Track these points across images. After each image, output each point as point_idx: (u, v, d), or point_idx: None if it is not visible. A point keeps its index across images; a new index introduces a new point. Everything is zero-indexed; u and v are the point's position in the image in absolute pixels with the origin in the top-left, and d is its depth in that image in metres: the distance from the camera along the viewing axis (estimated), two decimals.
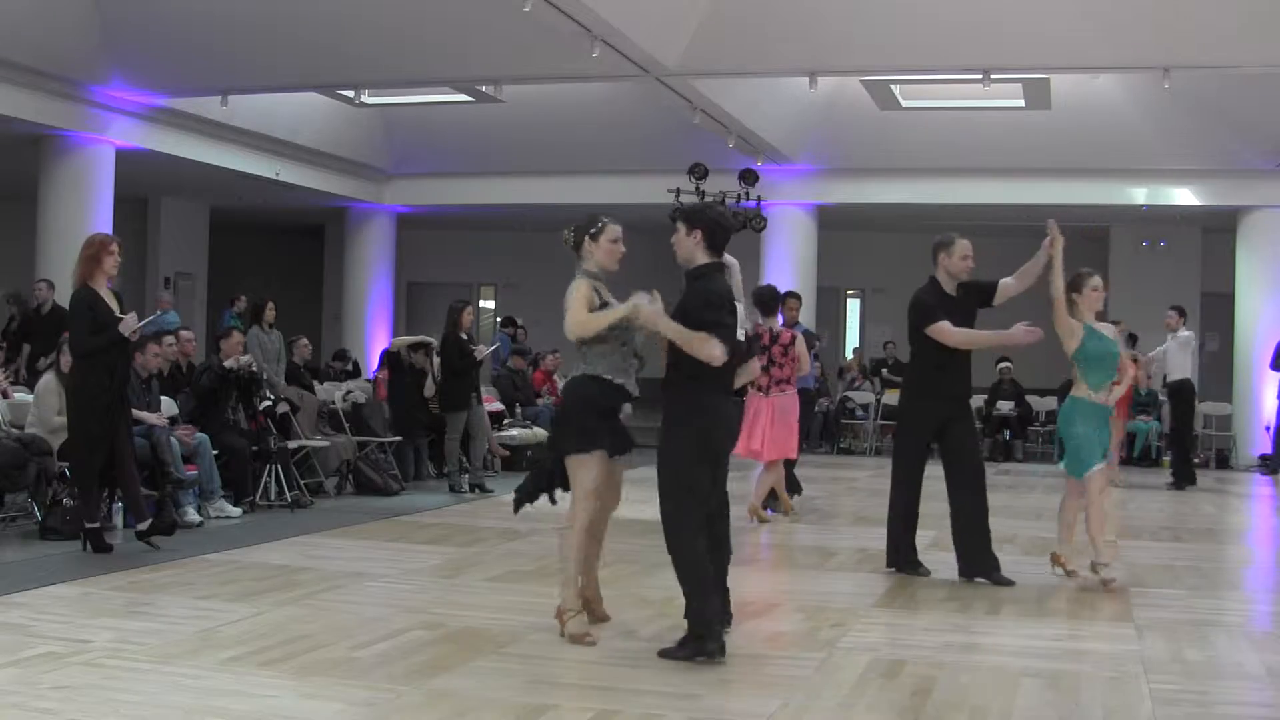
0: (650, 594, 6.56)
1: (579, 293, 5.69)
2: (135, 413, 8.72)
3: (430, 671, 5.11)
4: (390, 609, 6.53)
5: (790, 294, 11.21)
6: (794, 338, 10.12)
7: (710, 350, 5.35)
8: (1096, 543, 7.32)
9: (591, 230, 5.81)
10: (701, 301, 5.51)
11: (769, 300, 10.09)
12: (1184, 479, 14.04)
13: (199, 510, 9.41)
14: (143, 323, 8.34)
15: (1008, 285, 7.57)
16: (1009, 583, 7.38)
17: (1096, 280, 7.50)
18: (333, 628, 5.87)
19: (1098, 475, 7.29)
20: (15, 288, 15.28)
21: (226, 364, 10.38)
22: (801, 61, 12.96)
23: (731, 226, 5.82)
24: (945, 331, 7.42)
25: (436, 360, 12.71)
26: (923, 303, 7.58)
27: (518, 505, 6.00)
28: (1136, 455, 16.81)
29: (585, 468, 5.65)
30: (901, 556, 7.85)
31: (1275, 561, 9.77)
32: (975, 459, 7.77)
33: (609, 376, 5.70)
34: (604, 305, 5.69)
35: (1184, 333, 14.09)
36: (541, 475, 5.92)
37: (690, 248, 5.62)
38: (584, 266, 5.81)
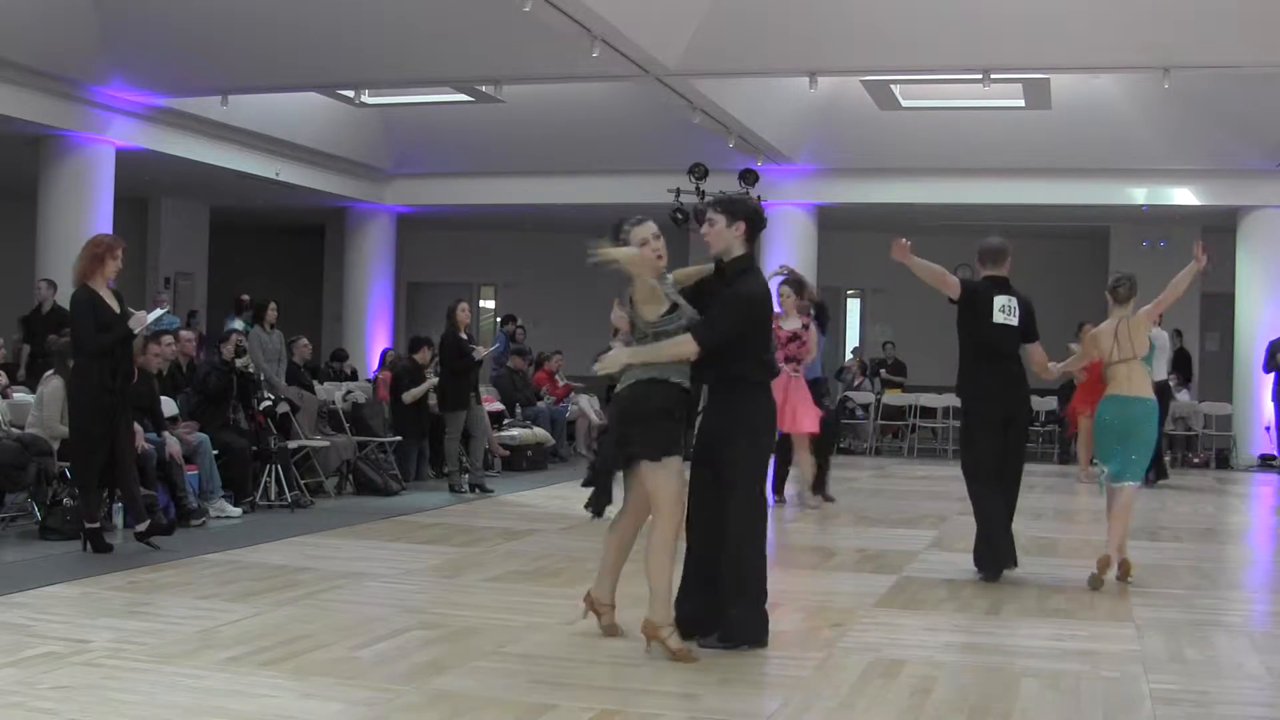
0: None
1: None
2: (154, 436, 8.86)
3: (430, 671, 5.11)
4: (390, 609, 6.53)
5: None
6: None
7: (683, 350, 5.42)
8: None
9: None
10: (744, 314, 5.56)
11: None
12: (1159, 474, 14.08)
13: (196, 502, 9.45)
14: (151, 317, 8.34)
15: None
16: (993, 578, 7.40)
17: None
18: (333, 628, 5.86)
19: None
20: None
21: (239, 363, 10.46)
22: (801, 61, 12.96)
23: (765, 219, 5.82)
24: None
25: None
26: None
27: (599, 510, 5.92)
28: None
29: (669, 472, 5.43)
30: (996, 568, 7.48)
31: (1275, 561, 9.77)
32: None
33: (675, 379, 5.49)
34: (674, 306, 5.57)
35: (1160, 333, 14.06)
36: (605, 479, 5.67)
37: (730, 239, 5.61)
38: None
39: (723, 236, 5.61)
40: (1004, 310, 7.42)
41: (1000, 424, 7.40)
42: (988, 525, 7.46)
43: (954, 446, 17.28)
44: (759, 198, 16.18)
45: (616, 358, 5.47)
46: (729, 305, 5.54)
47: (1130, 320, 7.46)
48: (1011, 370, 7.48)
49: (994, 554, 7.44)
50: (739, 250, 5.65)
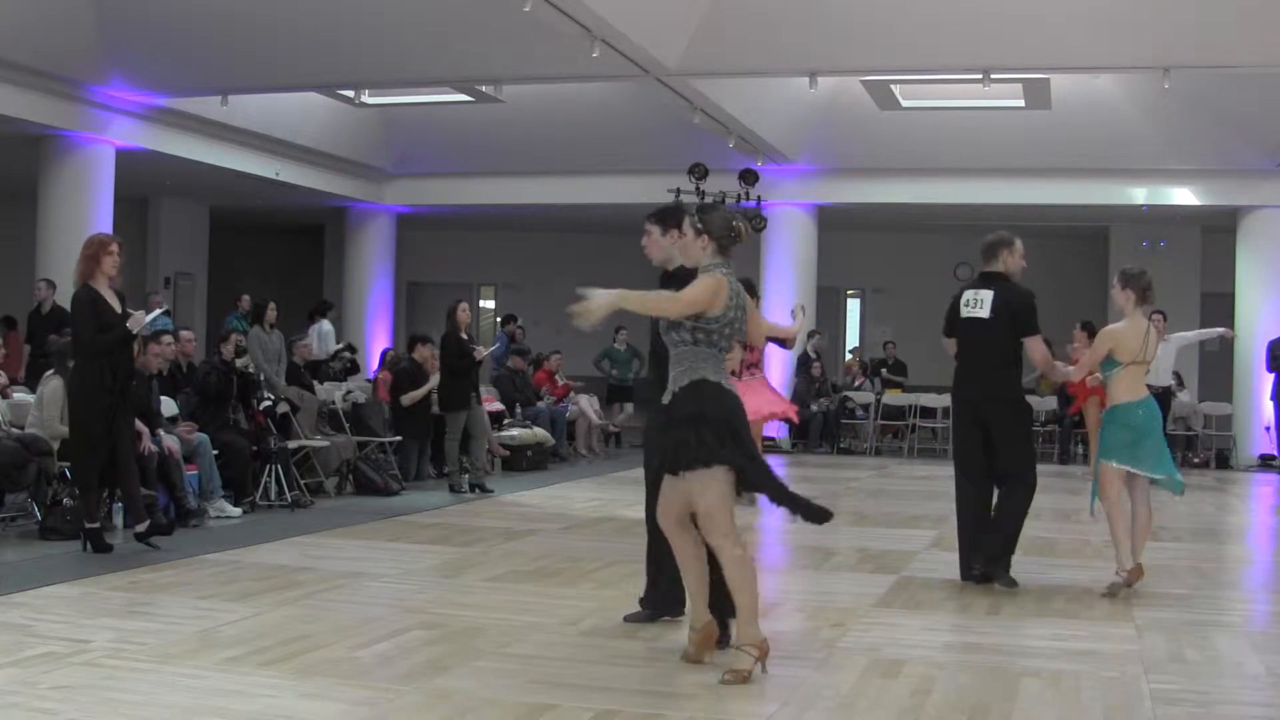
0: None
1: None
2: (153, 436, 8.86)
3: (430, 671, 5.11)
4: (390, 609, 6.53)
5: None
6: None
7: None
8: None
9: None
10: None
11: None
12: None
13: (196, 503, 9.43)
14: (149, 318, 8.35)
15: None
16: (1009, 584, 7.21)
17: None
18: (333, 628, 5.86)
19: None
20: None
21: (239, 363, 10.46)
22: (801, 61, 12.97)
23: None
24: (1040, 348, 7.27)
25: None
26: (1033, 305, 7.27)
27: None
28: None
29: None
30: (963, 567, 7.34)
31: (1275, 561, 9.78)
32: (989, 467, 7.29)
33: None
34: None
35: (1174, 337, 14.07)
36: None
37: (667, 249, 5.60)
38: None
39: (660, 246, 5.63)
40: (969, 304, 7.29)
41: (967, 418, 7.31)
42: (957, 522, 7.41)
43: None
44: (759, 198, 16.29)
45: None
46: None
47: (1150, 332, 7.33)
48: (979, 362, 7.26)
49: (960, 554, 7.34)
50: (678, 260, 5.63)
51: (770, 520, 10.39)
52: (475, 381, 12.47)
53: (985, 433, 7.23)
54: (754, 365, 10.74)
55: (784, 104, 15.67)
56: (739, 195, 15.79)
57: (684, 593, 5.55)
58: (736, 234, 5.26)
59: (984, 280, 7.39)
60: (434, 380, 12.58)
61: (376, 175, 19.64)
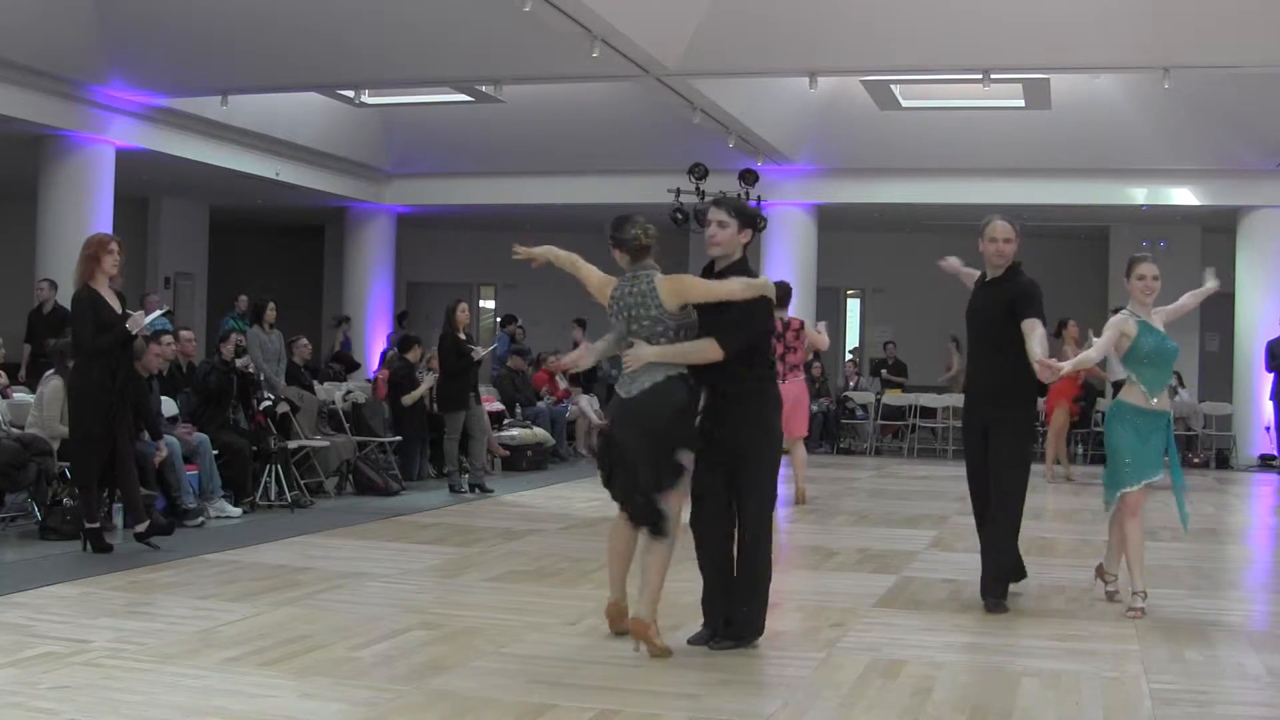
0: None
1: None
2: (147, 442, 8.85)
3: (430, 671, 5.11)
4: (390, 609, 6.53)
5: None
6: (803, 324, 10.80)
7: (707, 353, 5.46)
8: (1133, 570, 6.60)
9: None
10: (768, 315, 5.68)
11: (784, 295, 10.52)
12: None
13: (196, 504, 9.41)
14: (149, 319, 8.35)
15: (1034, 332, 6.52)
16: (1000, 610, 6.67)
17: (1143, 268, 6.96)
18: (333, 628, 5.87)
19: (1132, 496, 6.60)
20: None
21: (238, 363, 10.46)
22: (801, 61, 12.96)
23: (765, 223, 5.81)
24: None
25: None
26: None
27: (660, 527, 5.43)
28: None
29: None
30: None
31: (1275, 561, 9.78)
32: (998, 475, 6.61)
33: (688, 374, 5.50)
34: None
35: None
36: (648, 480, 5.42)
37: (737, 244, 5.65)
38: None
39: (733, 241, 5.63)
40: None
41: None
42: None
43: (954, 447, 17.28)
44: (759, 198, 16.28)
45: (642, 355, 5.41)
46: (755, 309, 5.52)
47: None
48: None
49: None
50: (739, 255, 5.68)
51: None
52: (474, 381, 12.47)
53: None
54: (796, 367, 10.90)
55: (784, 104, 15.67)
56: (739, 195, 15.78)
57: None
58: (636, 240, 5.58)
59: None
60: (430, 380, 12.60)
61: (376, 175, 19.63)
